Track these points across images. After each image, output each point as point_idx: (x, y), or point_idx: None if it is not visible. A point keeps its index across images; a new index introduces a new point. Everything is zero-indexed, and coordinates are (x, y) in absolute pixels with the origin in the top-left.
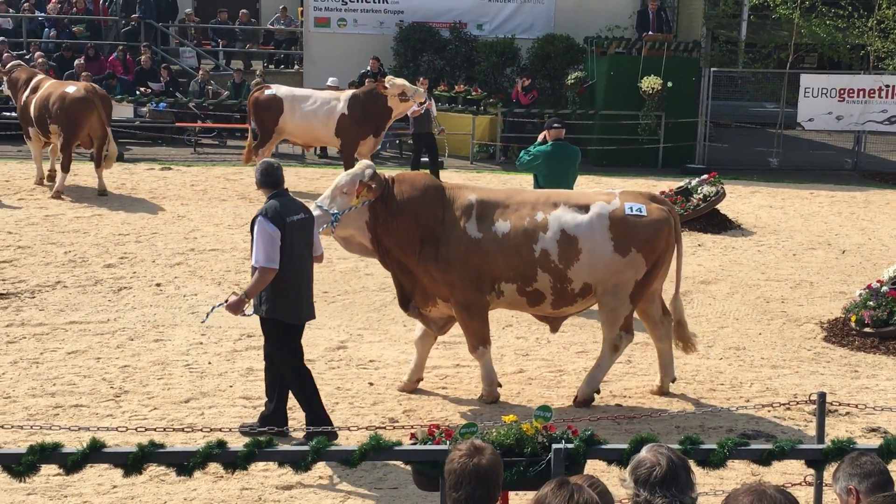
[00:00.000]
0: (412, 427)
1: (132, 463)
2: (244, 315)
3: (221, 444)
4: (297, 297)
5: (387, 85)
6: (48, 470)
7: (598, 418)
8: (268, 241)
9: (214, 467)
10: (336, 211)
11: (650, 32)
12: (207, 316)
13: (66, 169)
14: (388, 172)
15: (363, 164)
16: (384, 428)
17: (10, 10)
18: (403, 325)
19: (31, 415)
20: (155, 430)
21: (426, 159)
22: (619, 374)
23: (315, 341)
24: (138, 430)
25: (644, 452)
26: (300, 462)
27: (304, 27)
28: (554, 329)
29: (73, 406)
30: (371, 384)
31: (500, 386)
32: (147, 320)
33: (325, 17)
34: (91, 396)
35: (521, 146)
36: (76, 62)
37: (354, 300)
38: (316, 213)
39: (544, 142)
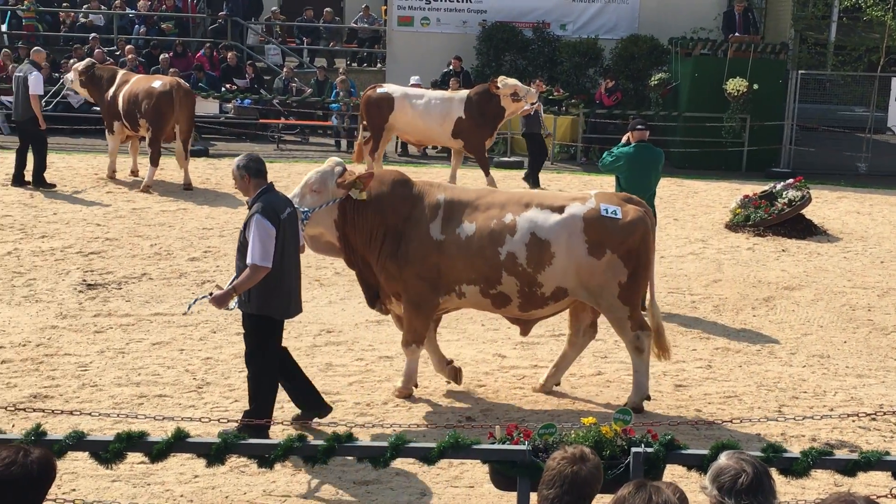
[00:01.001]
0: (490, 426)
1: (215, 453)
2: (227, 309)
3: (302, 437)
4: (288, 293)
5: (499, 85)
6: (132, 458)
7: (676, 423)
8: (266, 239)
9: (293, 460)
10: (306, 209)
11: (736, 34)
12: (189, 308)
13: (154, 163)
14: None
15: (333, 162)
16: (462, 426)
17: (103, 7)
18: (482, 325)
19: (117, 403)
20: (236, 421)
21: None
22: (699, 378)
23: (393, 339)
24: (220, 420)
25: (725, 459)
26: (379, 458)
27: (387, 26)
28: (524, 332)
29: (157, 396)
30: (448, 382)
31: (416, 387)
32: (230, 314)
33: (409, 15)
34: (174, 387)
35: (603, 147)
36: (162, 58)
37: None
38: None
39: (628, 143)
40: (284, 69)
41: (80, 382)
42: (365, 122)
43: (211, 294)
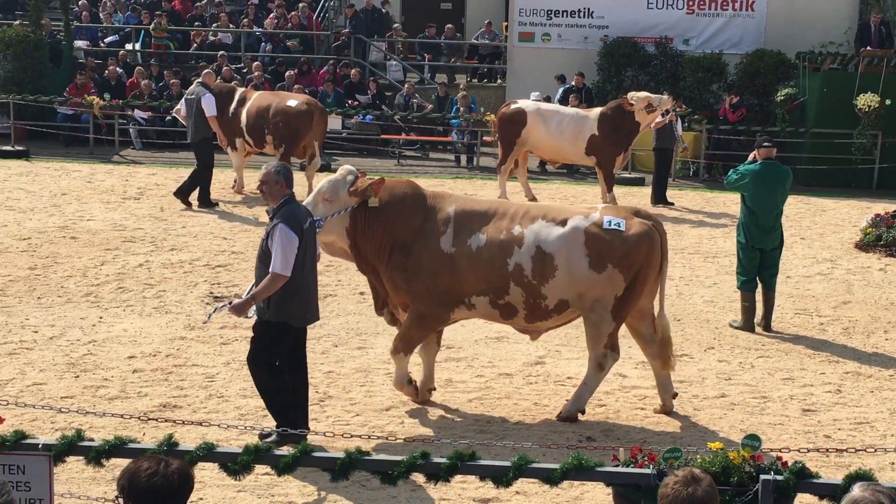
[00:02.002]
0: (612, 448)
1: (340, 468)
2: (247, 317)
3: (425, 455)
4: (307, 301)
5: (632, 101)
6: (258, 469)
7: (806, 450)
8: (289, 248)
9: (414, 476)
10: (319, 217)
11: (869, 48)
12: (209, 317)
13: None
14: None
15: (345, 170)
16: (583, 447)
17: (231, 26)
18: None
19: (242, 415)
20: (360, 436)
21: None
22: (828, 403)
23: (513, 356)
24: (344, 435)
25: (860, 491)
26: (501, 477)
27: (508, 42)
28: (533, 338)
29: None
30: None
31: (412, 383)
32: (350, 328)
33: (530, 31)
34: None
35: (727, 164)
36: (288, 74)
37: None
38: None
39: (754, 161)
40: (406, 85)
41: (207, 393)
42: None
43: (231, 303)
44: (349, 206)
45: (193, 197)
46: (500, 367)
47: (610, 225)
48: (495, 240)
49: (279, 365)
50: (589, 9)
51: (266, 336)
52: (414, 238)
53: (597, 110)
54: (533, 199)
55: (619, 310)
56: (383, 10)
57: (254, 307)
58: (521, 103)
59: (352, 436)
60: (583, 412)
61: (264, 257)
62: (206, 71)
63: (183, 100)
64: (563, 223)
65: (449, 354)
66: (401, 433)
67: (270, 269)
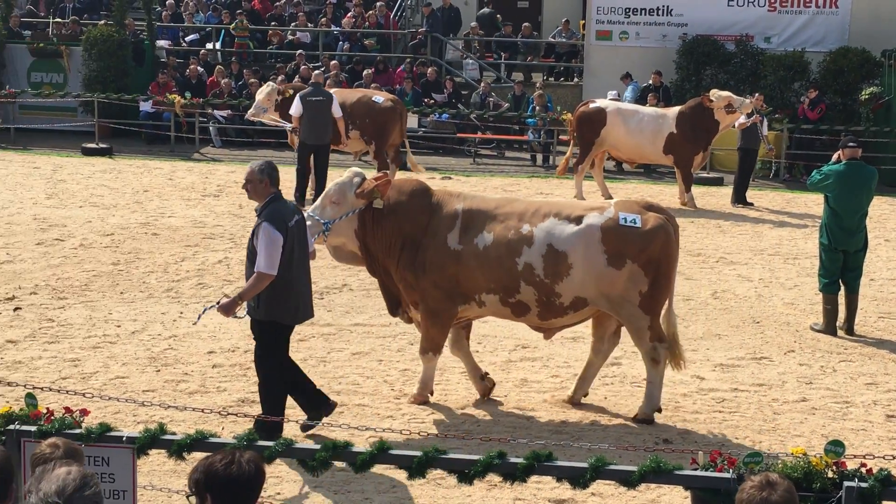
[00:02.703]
0: (690, 451)
1: (416, 467)
2: (236, 317)
3: (502, 454)
4: (296, 299)
5: (712, 98)
6: (335, 465)
7: (891, 457)
8: (272, 247)
9: (489, 475)
10: (327, 220)
11: None
12: (199, 317)
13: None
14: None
15: (352, 172)
16: (660, 449)
17: (309, 25)
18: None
19: None
20: (436, 435)
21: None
22: None
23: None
24: (420, 434)
25: None
26: (578, 478)
27: (585, 40)
28: (547, 337)
29: (356, 405)
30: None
31: (432, 394)
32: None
33: (608, 30)
34: (373, 397)
35: (808, 164)
36: (365, 73)
37: None
38: (308, 222)
39: (838, 161)
40: (482, 84)
41: None
42: (575, 136)
43: (219, 303)
44: (357, 208)
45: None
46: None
47: (626, 221)
48: (503, 239)
49: (280, 365)
50: (668, 6)
51: (263, 336)
52: (422, 235)
53: (676, 109)
54: (609, 198)
55: (648, 304)
56: (495, 15)
57: (244, 307)
58: (601, 102)
59: (428, 434)
60: (660, 410)
61: (252, 256)
62: (316, 72)
63: (298, 100)
64: (578, 220)
65: (524, 354)
66: (476, 432)
67: (255, 268)
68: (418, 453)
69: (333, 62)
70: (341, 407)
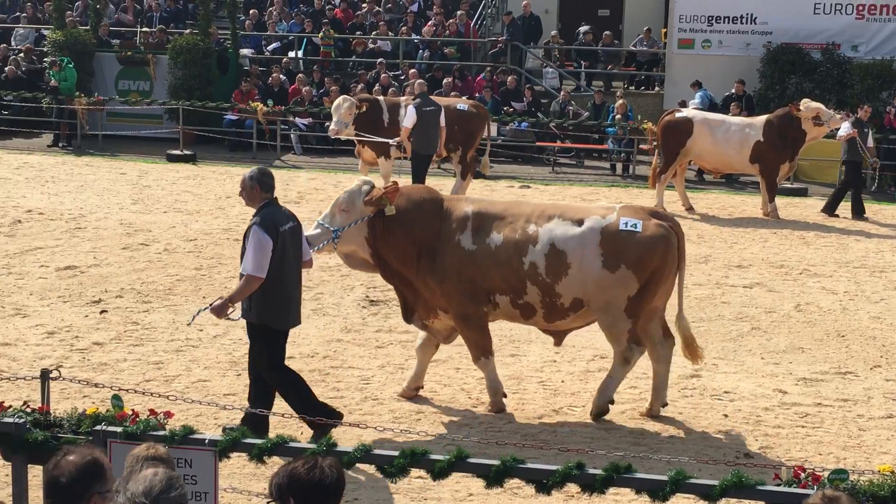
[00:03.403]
0: (772, 466)
1: (494, 475)
2: (228, 319)
3: (580, 465)
4: (287, 304)
5: (801, 108)
6: (412, 472)
7: None
8: (260, 250)
9: (567, 486)
10: (336, 228)
11: None
12: (193, 318)
13: (464, 177)
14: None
15: (361, 181)
16: (741, 464)
17: (390, 34)
18: (761, 358)
19: (396, 418)
20: (514, 444)
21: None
22: None
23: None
24: (497, 443)
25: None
26: (658, 491)
27: (666, 48)
28: (557, 343)
29: (434, 412)
30: (725, 416)
31: (506, 396)
32: (503, 335)
33: (690, 38)
34: (450, 405)
35: None
36: (445, 81)
37: (709, 328)
38: (317, 230)
39: None
40: (562, 92)
41: (363, 395)
42: (660, 146)
43: (212, 305)
44: (365, 216)
45: None
46: None
47: (627, 226)
48: (511, 239)
49: (282, 366)
50: (752, 15)
51: (259, 340)
52: (436, 240)
53: (763, 117)
54: (690, 208)
55: (632, 309)
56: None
57: (238, 309)
58: (687, 112)
59: (505, 443)
60: (612, 402)
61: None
62: (419, 81)
63: (413, 110)
64: (580, 223)
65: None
66: (554, 442)
67: (242, 270)
68: (496, 462)
69: (413, 70)
70: (419, 414)
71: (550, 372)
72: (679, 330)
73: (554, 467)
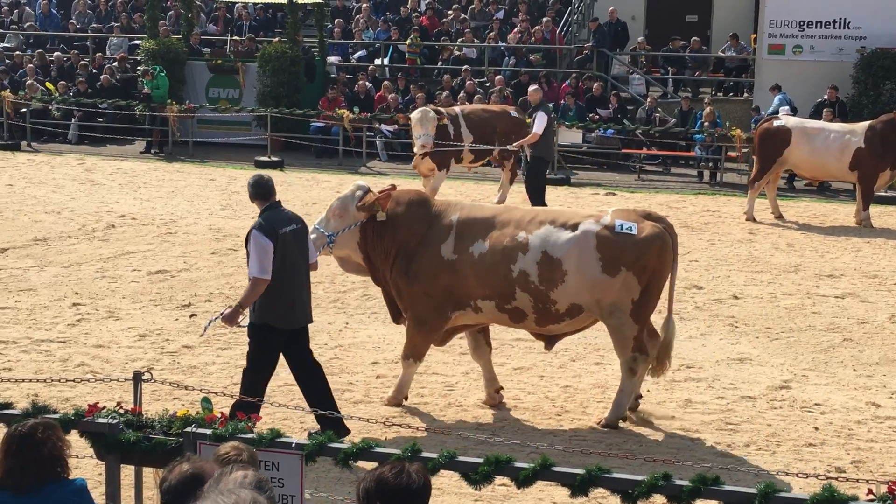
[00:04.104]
0: (865, 480)
1: (579, 484)
2: (240, 326)
3: (667, 476)
4: (291, 304)
5: None
6: (496, 479)
7: None
8: (261, 252)
9: (654, 496)
10: (331, 232)
11: None
12: (205, 329)
13: (511, 183)
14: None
15: (355, 186)
16: (833, 478)
17: (476, 41)
18: (853, 370)
19: (480, 425)
20: (599, 453)
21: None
22: None
23: (756, 378)
24: (583, 452)
25: None
26: None
27: (756, 54)
28: (548, 347)
29: (517, 420)
30: (816, 429)
31: (406, 399)
32: (588, 343)
33: (781, 43)
34: (534, 412)
35: None
36: (530, 88)
37: (800, 339)
38: (313, 235)
39: None
40: (648, 99)
41: (447, 402)
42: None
43: (223, 313)
44: (359, 221)
45: None
46: (743, 390)
47: (622, 228)
48: (498, 246)
49: (267, 368)
50: (845, 19)
51: (254, 338)
52: (417, 245)
53: (865, 123)
54: (780, 216)
55: (638, 312)
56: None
57: (245, 316)
58: (784, 120)
59: (590, 452)
60: (625, 419)
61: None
62: (533, 87)
63: (545, 116)
64: (574, 227)
65: (689, 374)
66: (639, 452)
67: (249, 274)
68: (581, 471)
69: (498, 77)
70: (503, 421)
71: None
72: (664, 333)
73: (640, 477)
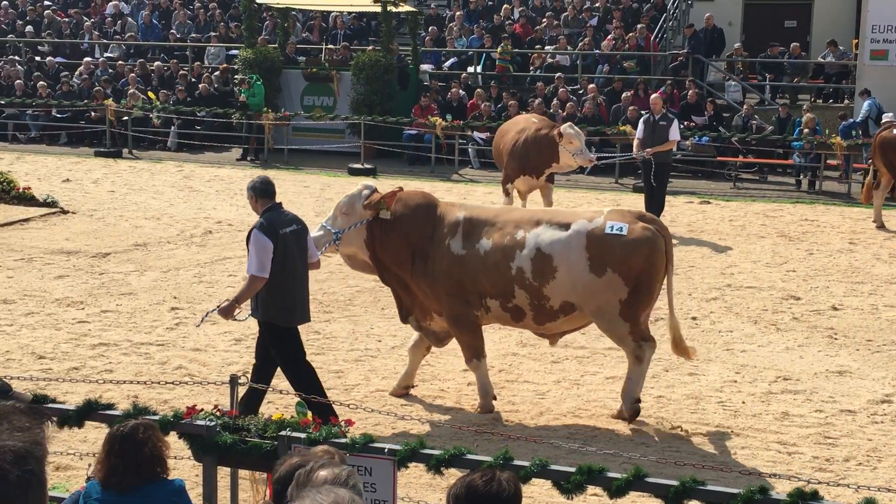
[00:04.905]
0: None
1: (672, 496)
2: (235, 319)
3: (763, 490)
4: (291, 302)
5: None
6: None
7: None
8: (261, 251)
9: None
10: (337, 230)
11: None
12: (202, 320)
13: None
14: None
15: (361, 185)
16: None
17: (569, 48)
18: None
19: (571, 433)
20: (694, 465)
21: None
22: None
23: (856, 392)
24: (676, 463)
25: None
26: None
27: (858, 60)
28: (552, 343)
29: (609, 430)
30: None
31: (496, 398)
32: None
33: (883, 49)
34: (624, 423)
35: None
36: (623, 95)
37: None
38: (320, 232)
39: None
40: (745, 106)
41: (538, 410)
42: (874, 162)
43: (219, 306)
44: (364, 219)
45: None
46: (842, 403)
47: (612, 230)
48: (500, 244)
49: (299, 356)
50: None
51: (266, 337)
52: (429, 244)
53: None
54: (881, 225)
55: (628, 312)
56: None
57: (245, 310)
58: None
59: (684, 464)
60: (639, 401)
61: None
62: (654, 96)
63: (677, 123)
64: (567, 227)
65: (786, 386)
66: (734, 465)
67: (247, 272)
68: (675, 482)
69: (591, 85)
70: (594, 431)
71: (730, 392)
72: (669, 330)
73: (735, 490)
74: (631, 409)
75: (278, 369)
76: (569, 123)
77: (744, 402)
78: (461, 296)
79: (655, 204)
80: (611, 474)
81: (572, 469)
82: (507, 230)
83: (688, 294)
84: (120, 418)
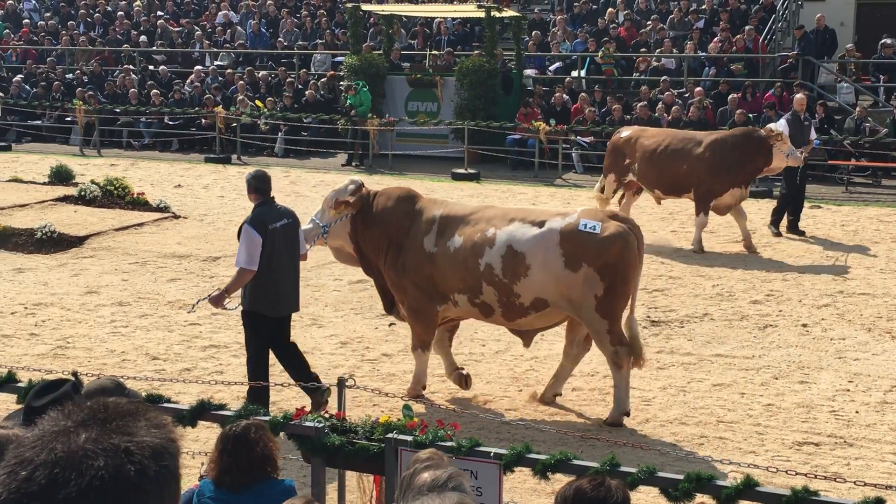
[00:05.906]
0: None
1: None
2: (225, 309)
3: (879, 500)
4: (276, 293)
5: None
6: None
7: None
8: (250, 245)
9: None
10: (325, 223)
11: None
12: (193, 307)
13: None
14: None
15: (347, 181)
16: None
17: (674, 51)
18: None
19: (678, 441)
20: (806, 475)
21: None
22: None
23: None
24: (788, 472)
25: None
26: None
27: None
28: (525, 344)
29: (717, 437)
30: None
31: (425, 388)
32: (792, 360)
33: None
34: (734, 430)
35: None
36: (731, 98)
37: None
38: (309, 225)
39: None
40: (857, 108)
41: (644, 417)
42: None
43: (210, 295)
44: (349, 213)
45: (783, 225)
46: None
47: (586, 227)
48: (469, 241)
49: (262, 351)
50: None
51: (246, 324)
52: (405, 238)
53: None
54: None
55: (605, 308)
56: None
57: (237, 300)
58: None
59: (796, 473)
60: (628, 414)
61: None
62: (798, 96)
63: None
64: (541, 224)
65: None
66: (848, 475)
67: (236, 264)
68: (787, 492)
69: (698, 89)
70: (701, 438)
71: (843, 401)
72: (627, 330)
73: (850, 502)
74: (616, 420)
75: (304, 356)
76: (783, 119)
77: (857, 412)
78: (427, 290)
79: (800, 204)
80: (720, 482)
81: (680, 476)
82: (479, 227)
83: (798, 300)
84: (232, 418)
